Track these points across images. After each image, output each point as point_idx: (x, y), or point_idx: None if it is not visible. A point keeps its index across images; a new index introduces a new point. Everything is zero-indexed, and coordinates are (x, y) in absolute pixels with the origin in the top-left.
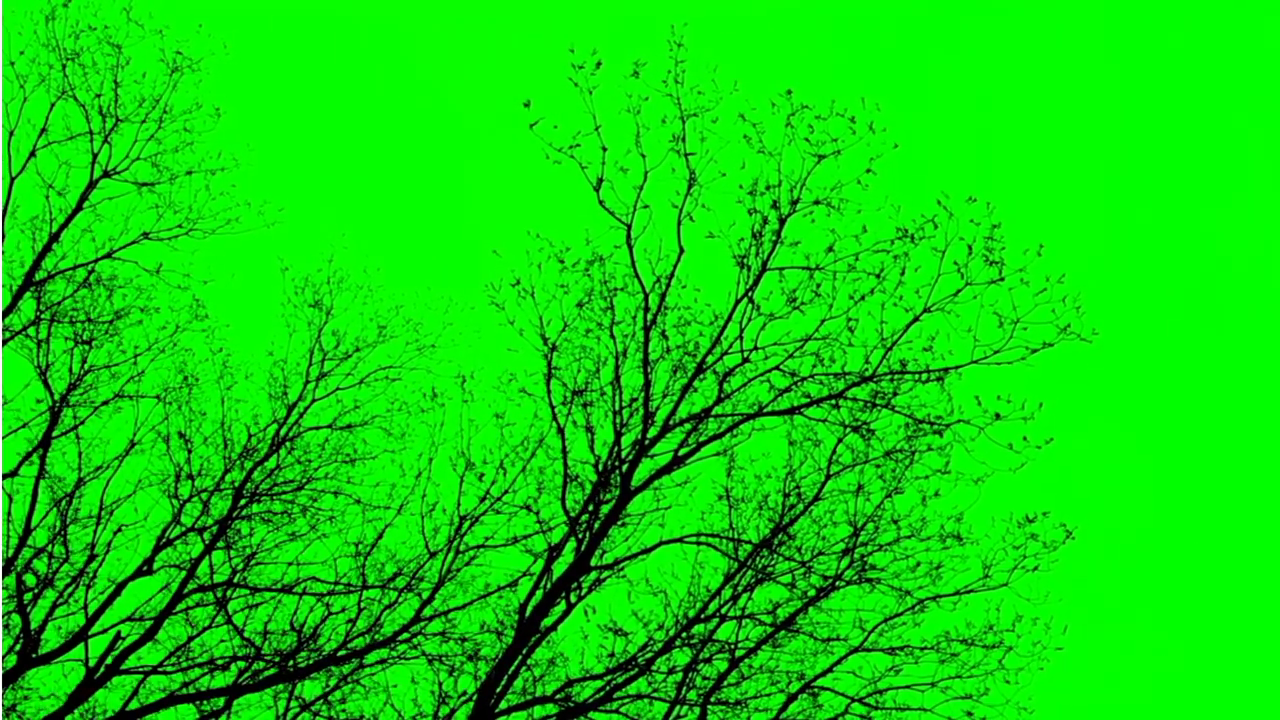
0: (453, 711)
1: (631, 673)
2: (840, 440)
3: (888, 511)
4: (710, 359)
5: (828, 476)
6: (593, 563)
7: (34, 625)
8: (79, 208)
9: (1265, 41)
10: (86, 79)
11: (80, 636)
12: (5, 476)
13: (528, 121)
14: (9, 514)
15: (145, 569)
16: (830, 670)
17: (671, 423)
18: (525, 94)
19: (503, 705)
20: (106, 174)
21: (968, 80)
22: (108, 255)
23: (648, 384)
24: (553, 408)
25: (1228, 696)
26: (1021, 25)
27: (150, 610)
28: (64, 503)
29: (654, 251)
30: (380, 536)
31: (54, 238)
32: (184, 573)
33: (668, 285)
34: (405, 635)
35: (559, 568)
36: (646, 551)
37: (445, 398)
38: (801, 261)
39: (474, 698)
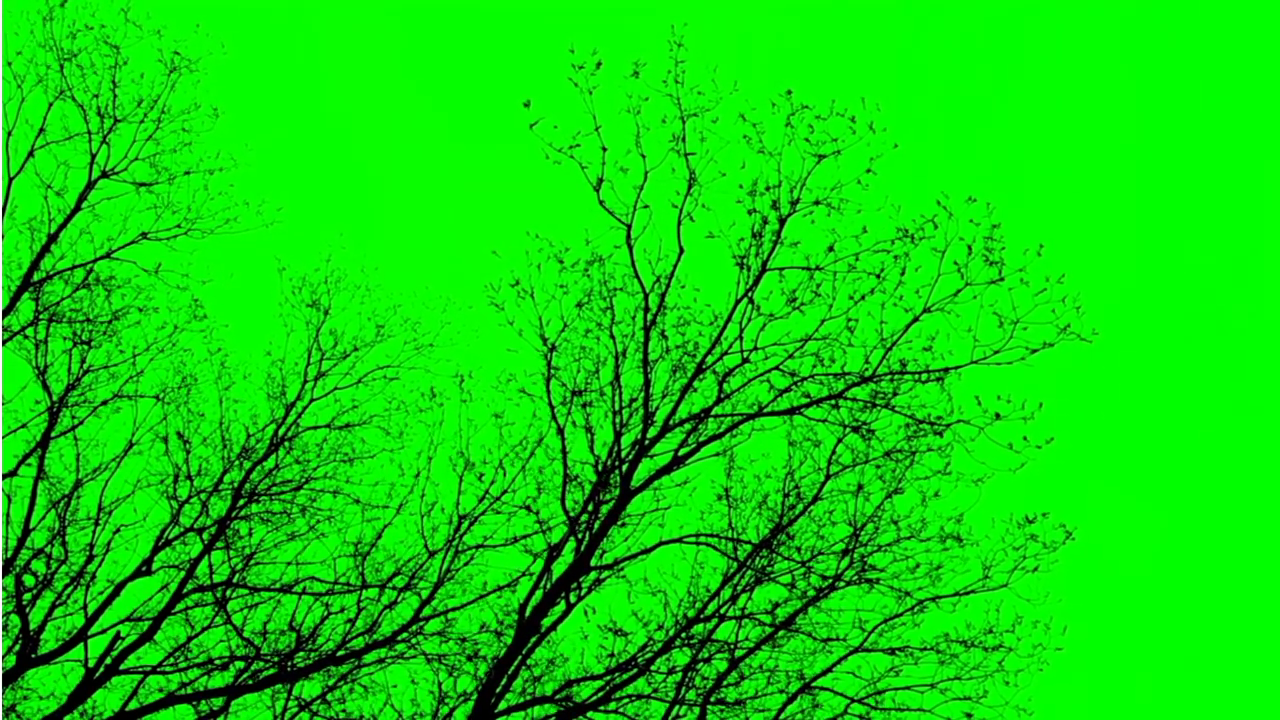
0: (452, 711)
1: (631, 673)
2: (840, 440)
3: (888, 512)
4: (710, 359)
5: (827, 477)
6: (592, 563)
7: (33, 626)
8: (77, 208)
9: (1265, 41)
10: (84, 79)
11: (79, 637)
12: (4, 477)
13: (528, 121)
14: (8, 515)
15: (144, 569)
16: (830, 670)
17: (671, 423)
18: (525, 94)
19: (502, 705)
20: (105, 174)
21: (968, 80)
22: (106, 255)
23: (647, 384)
24: (552, 408)
25: (1228, 696)
26: (1021, 25)
27: (149, 610)
28: (62, 503)
29: (654, 252)
30: (379, 536)
31: (52, 238)
32: (183, 573)
33: (667, 285)
34: (404, 635)
35: (559, 568)
36: (646, 552)
37: (444, 397)
38: (801, 262)
39: (473, 698)
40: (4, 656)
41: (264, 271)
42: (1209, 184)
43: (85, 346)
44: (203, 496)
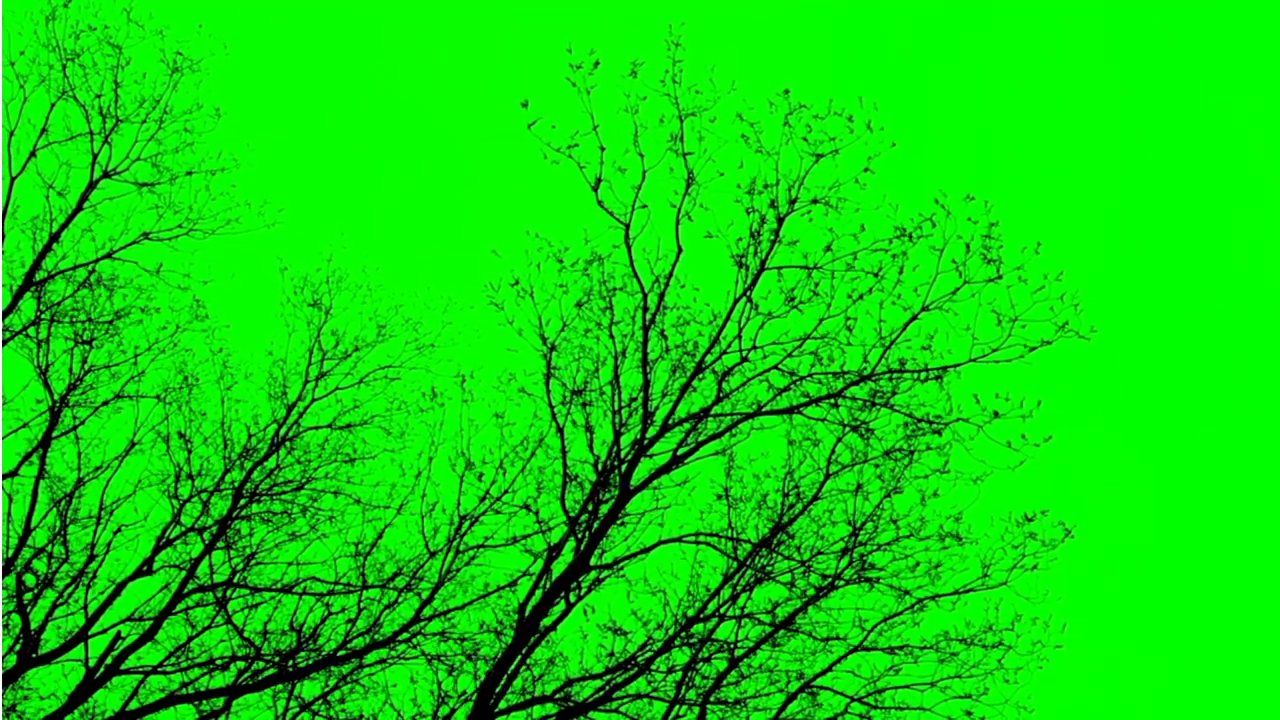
0: (452, 711)
1: (631, 672)
2: (839, 439)
3: (887, 511)
4: (709, 358)
5: (827, 476)
6: (592, 562)
7: (34, 625)
8: (79, 208)
9: (1265, 41)
10: (87, 79)
11: (80, 636)
12: (5, 476)
13: (526, 121)
14: (9, 514)
15: (145, 569)
16: (829, 670)
17: (670, 422)
18: (524, 94)
19: (502, 705)
20: (107, 174)
21: (966, 79)
22: (108, 255)
23: (647, 383)
24: (552, 407)
25: (1228, 696)
26: (1021, 25)
27: (150, 610)
28: (64, 503)
29: (652, 251)
30: (380, 536)
31: (54, 238)
32: (184, 573)
33: (666, 285)
34: (405, 635)
35: (558, 567)
36: (646, 551)
37: (445, 397)
38: (800, 260)
39: (473, 697)
40: (5, 656)
41: (265, 272)
42: (1208, 183)
43: (86, 346)
44: (204, 496)
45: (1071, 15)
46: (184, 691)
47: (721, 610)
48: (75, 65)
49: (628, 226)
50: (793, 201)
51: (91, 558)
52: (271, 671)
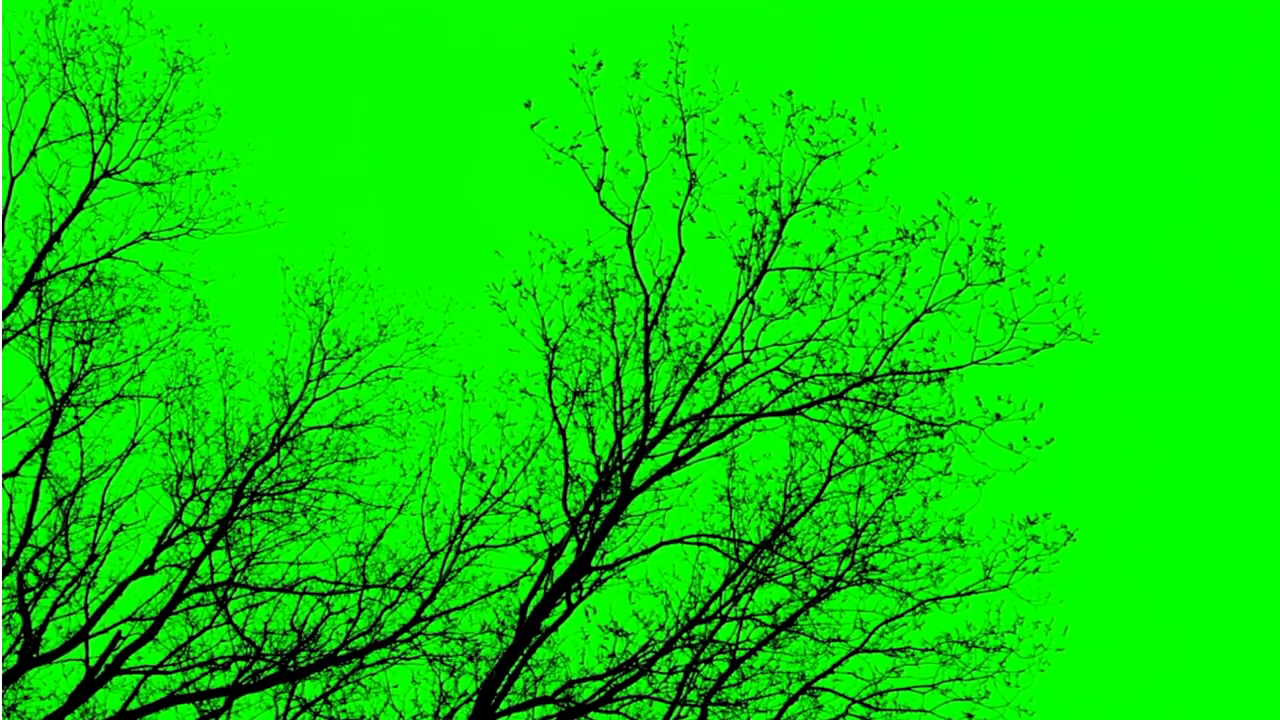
0: (453, 712)
1: (632, 673)
2: (841, 441)
3: (889, 513)
4: (711, 360)
5: (828, 477)
6: (593, 563)
7: (35, 625)
8: (79, 207)
9: (1265, 41)
10: (87, 78)
11: (81, 636)
12: (7, 476)
13: (529, 122)
14: (10, 513)
15: (146, 568)
16: (831, 671)
17: (672, 423)
18: (526, 94)
19: (503, 705)
20: (107, 173)
21: (968, 81)
22: (108, 255)
23: (648, 385)
24: (554, 408)
25: (1228, 696)
26: (1021, 25)
27: (151, 610)
28: (65, 502)
29: (655, 252)
30: (381, 536)
31: (55, 237)
32: (185, 572)
33: (669, 286)
34: (406, 635)
35: (560, 568)
36: (647, 552)
37: (446, 397)
38: (802, 262)
39: (474, 698)
40: (5, 656)
41: (267, 271)
42: (1209, 184)
43: (88, 345)
44: (205, 496)
45: (1073, 17)
46: (184, 691)
47: (723, 611)
48: (75, 64)
49: (630, 227)
50: (795, 203)
51: (93, 557)
52: (272, 671)
